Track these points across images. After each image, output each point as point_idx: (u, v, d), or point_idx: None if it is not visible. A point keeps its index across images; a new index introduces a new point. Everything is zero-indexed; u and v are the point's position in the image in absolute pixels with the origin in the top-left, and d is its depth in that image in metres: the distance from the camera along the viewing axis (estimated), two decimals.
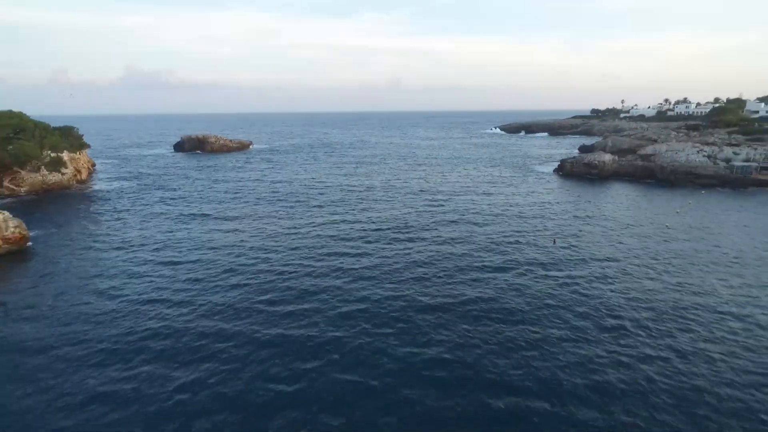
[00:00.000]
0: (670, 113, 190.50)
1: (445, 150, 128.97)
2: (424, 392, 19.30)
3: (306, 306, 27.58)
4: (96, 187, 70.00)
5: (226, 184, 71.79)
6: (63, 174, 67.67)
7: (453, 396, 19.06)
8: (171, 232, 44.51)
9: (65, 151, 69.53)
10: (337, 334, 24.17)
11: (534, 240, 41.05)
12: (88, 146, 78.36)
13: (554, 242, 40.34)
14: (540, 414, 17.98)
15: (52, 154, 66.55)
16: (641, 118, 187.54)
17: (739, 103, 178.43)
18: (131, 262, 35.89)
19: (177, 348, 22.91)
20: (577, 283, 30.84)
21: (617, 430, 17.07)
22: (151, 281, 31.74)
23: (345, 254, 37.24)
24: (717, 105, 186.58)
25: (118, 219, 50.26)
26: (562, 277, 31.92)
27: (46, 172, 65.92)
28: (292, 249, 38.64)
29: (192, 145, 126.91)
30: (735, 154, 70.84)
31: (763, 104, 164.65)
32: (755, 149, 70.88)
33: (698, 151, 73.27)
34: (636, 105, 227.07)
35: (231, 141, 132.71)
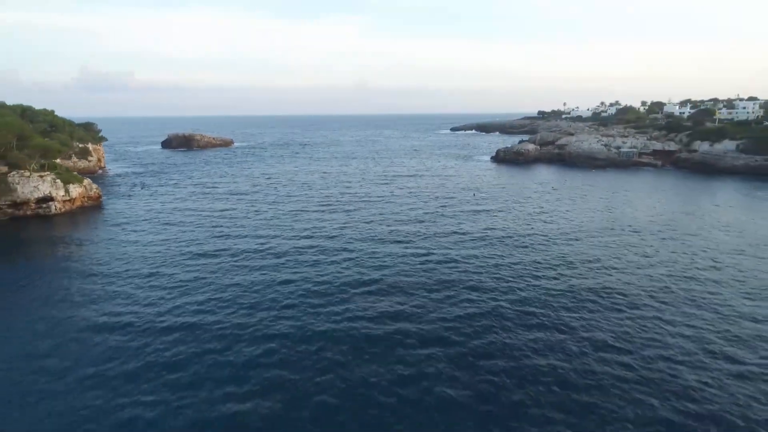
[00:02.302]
0: (603, 114, 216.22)
1: (406, 146, 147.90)
2: (389, 257, 37.20)
3: (306, 240, 45.07)
4: (116, 172, 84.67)
5: (226, 171, 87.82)
6: (89, 161, 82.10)
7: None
8: (198, 200, 60.76)
9: (89, 143, 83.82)
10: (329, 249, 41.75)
11: (462, 196, 59.76)
12: (105, 139, 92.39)
13: (474, 195, 59.26)
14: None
15: (80, 145, 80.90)
16: (579, 118, 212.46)
17: (659, 105, 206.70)
18: (180, 212, 52.03)
19: (233, 253, 39.93)
20: (484, 217, 49.61)
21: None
22: (199, 222, 48.30)
23: (328, 210, 54.86)
24: (643, 107, 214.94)
25: (153, 192, 65.94)
26: (476, 212, 50.64)
27: (77, 160, 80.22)
28: (291, 209, 55.87)
29: (179, 143, 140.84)
30: (623, 143, 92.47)
31: (677, 107, 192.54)
32: (637, 138, 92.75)
33: (598, 141, 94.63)
34: (577, 107, 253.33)
35: (215, 138, 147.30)
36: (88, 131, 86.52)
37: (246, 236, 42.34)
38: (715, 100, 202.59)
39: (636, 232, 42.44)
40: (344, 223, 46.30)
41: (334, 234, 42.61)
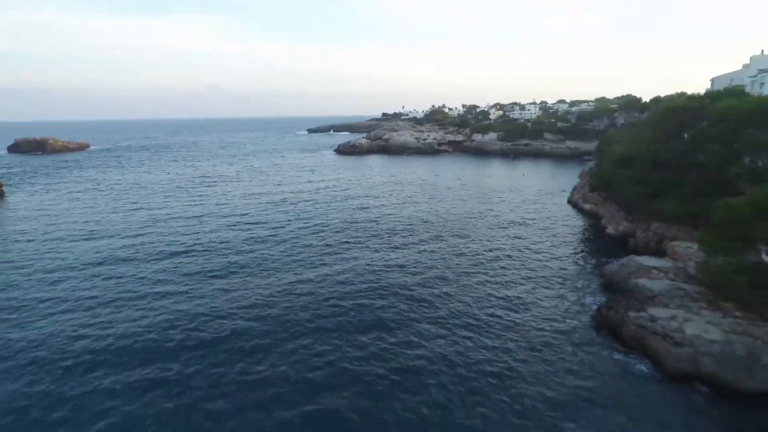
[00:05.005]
0: (435, 115, 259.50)
1: (266, 145, 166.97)
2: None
3: (196, 219, 64.06)
4: None
5: (97, 171, 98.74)
6: None
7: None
8: (81, 191, 74.51)
9: None
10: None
11: (302, 177, 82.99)
12: None
13: (312, 172, 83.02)
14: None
15: None
16: (414, 119, 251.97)
17: (474, 107, 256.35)
18: (71, 200, 66.30)
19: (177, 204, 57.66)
20: (324, 188, 73.35)
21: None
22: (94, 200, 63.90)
23: (197, 195, 73.78)
24: (464, 108, 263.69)
25: (40, 189, 77.02)
26: (312, 187, 74.17)
27: None
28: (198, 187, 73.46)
29: (30, 147, 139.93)
30: (428, 136, 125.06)
31: (493, 108, 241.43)
32: (438, 133, 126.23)
33: (411, 135, 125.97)
34: (415, 109, 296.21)
35: (70, 142, 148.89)
36: None
37: (141, 209, 59.95)
38: (514, 104, 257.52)
39: (373, 186, 70.13)
40: (221, 196, 66.21)
41: (220, 205, 62.44)
